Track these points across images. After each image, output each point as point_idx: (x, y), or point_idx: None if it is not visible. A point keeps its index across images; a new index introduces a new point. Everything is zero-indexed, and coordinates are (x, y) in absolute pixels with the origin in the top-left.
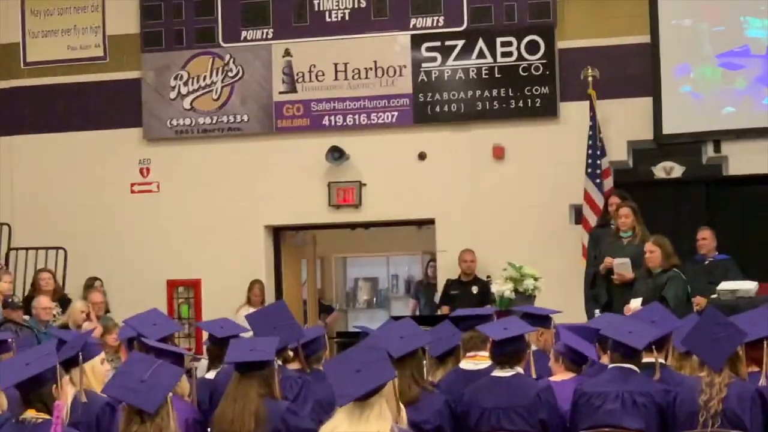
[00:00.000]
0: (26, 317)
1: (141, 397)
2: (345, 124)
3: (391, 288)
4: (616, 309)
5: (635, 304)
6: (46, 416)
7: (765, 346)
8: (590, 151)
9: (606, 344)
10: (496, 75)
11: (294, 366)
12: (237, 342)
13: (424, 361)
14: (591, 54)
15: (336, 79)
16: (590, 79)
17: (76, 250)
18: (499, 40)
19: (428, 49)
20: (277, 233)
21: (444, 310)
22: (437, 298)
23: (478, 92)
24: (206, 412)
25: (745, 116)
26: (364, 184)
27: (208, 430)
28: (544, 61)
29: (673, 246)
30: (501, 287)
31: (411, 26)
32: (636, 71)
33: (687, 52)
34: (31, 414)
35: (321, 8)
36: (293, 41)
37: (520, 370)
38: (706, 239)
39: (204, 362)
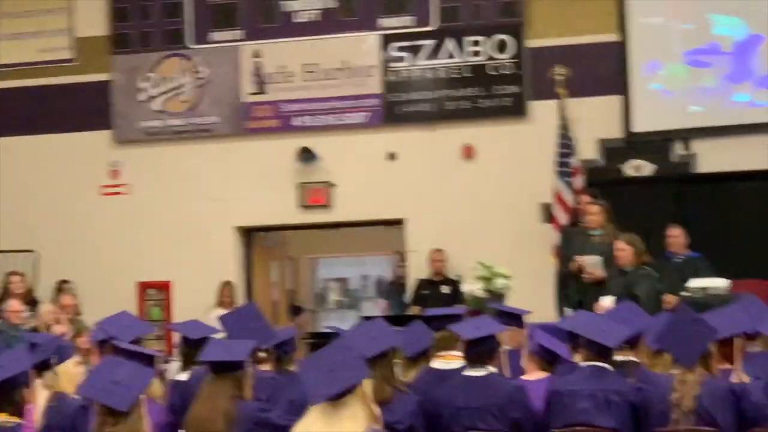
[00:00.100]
0: None
1: (114, 397)
2: (315, 124)
3: (362, 288)
4: (588, 308)
5: (607, 302)
6: (18, 420)
7: (736, 342)
8: (560, 150)
9: (578, 343)
10: (465, 74)
11: (266, 367)
12: (214, 343)
13: (397, 361)
14: (560, 53)
15: (305, 79)
16: (559, 77)
17: (46, 253)
18: (467, 39)
19: (397, 49)
20: (248, 234)
21: (415, 310)
22: (408, 298)
23: (447, 92)
24: (179, 414)
25: (714, 114)
26: (334, 185)
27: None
28: (514, 60)
29: (643, 244)
30: (472, 287)
31: (380, 26)
32: (605, 69)
33: (656, 50)
34: (2, 418)
35: (290, 9)
36: (262, 42)
37: (492, 369)
38: (676, 237)
39: (175, 364)
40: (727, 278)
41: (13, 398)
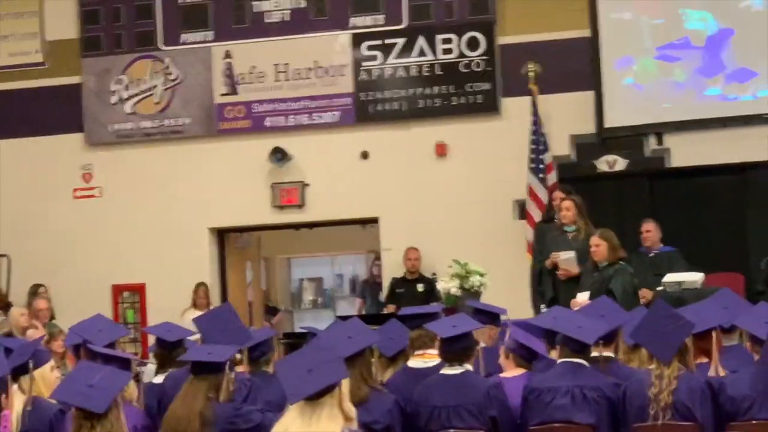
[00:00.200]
0: None
1: (90, 399)
2: (287, 124)
3: (337, 288)
4: (563, 304)
5: (582, 297)
6: None
7: (713, 336)
8: (533, 147)
9: (553, 339)
10: (437, 72)
11: (242, 369)
12: (199, 346)
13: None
14: (531, 49)
15: (277, 80)
16: (531, 74)
17: (19, 257)
18: (439, 37)
19: (369, 48)
20: (222, 235)
21: (390, 308)
22: (383, 296)
23: (419, 90)
24: (155, 417)
25: (686, 108)
26: (307, 185)
27: None
28: (485, 58)
29: (618, 239)
30: (447, 284)
31: (351, 25)
32: (577, 65)
33: (628, 45)
34: None
35: (260, 10)
36: (233, 43)
37: (469, 367)
38: (650, 231)
39: (150, 367)
40: (702, 272)
41: None
